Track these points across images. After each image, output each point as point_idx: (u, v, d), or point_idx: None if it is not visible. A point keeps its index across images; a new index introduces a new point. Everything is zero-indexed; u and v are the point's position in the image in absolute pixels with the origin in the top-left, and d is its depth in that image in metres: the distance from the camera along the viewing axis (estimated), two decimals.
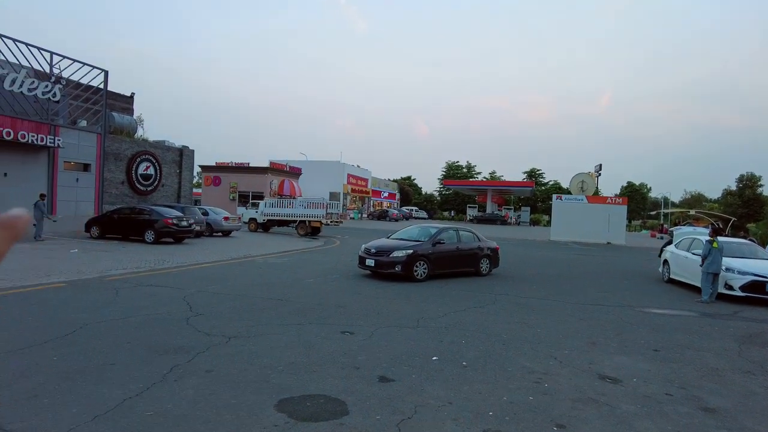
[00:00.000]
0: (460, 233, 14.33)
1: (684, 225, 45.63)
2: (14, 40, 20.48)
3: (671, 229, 42.87)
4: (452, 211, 79.31)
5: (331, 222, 29.33)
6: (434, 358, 6.13)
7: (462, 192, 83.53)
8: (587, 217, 34.59)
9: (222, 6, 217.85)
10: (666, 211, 70.47)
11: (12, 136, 19.77)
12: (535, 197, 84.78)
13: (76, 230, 20.88)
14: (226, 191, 47.05)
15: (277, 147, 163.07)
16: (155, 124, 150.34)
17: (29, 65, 21.15)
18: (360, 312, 8.64)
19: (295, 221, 29.00)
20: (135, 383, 4.81)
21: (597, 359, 6.47)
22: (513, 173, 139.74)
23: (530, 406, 4.79)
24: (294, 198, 40.17)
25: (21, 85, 20.22)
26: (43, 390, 4.58)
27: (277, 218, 29.31)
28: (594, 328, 8.32)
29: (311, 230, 28.72)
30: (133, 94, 35.18)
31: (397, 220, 57.76)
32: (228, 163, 49.54)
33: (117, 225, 19.93)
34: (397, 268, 12.37)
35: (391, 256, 12.53)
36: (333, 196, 59.88)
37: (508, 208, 75.10)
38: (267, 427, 4.02)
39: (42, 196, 19.80)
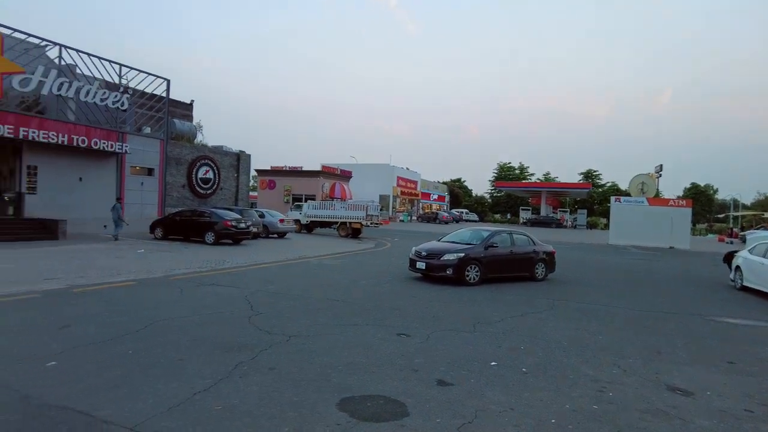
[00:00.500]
0: (513, 236, 14.04)
1: (758, 229, 42.68)
2: (89, 55, 21.95)
3: (743, 233, 40.28)
4: (508, 214, 77.56)
5: (371, 224, 29.91)
6: (493, 363, 6.05)
7: (514, 194, 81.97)
8: (648, 220, 33.10)
9: (274, 15, 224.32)
10: (736, 214, 66.27)
11: (86, 144, 21.17)
12: (591, 199, 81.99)
13: (141, 231, 22.04)
14: (280, 194, 48.34)
15: (328, 151, 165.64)
16: (213, 129, 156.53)
17: (101, 77, 22.60)
18: (415, 315, 8.65)
19: (336, 222, 29.87)
20: (203, 378, 5.03)
21: (664, 369, 6.17)
22: (568, 174, 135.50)
23: (594, 414, 4.64)
24: (344, 201, 40.75)
25: (94, 96, 21.63)
26: (122, 381, 4.88)
27: (320, 220, 30.23)
28: (659, 337, 7.95)
29: (352, 231, 29.45)
30: (192, 101, 36.79)
31: (447, 223, 57.38)
32: (282, 167, 50.92)
33: (179, 227, 20.91)
34: (449, 272, 12.28)
35: (442, 259, 12.45)
36: (382, 198, 60.29)
37: (563, 211, 72.97)
38: (330, 426, 4.10)
39: (119, 199, 21.20)
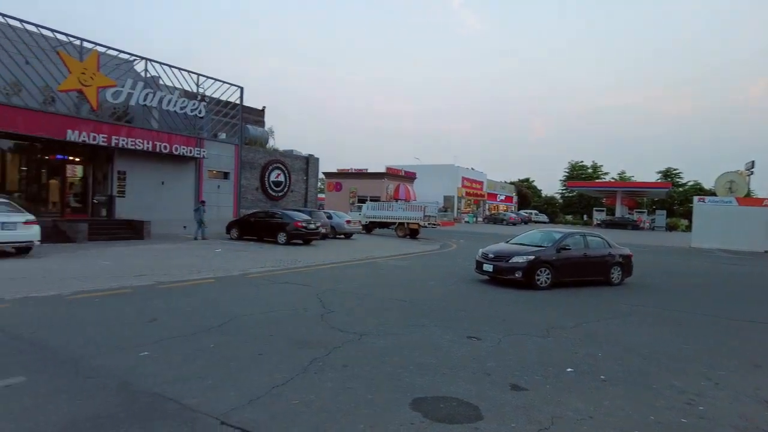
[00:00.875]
0: (587, 238, 13.47)
1: None
2: (170, 66, 23.47)
3: None
4: (584, 215, 74.17)
5: (428, 224, 29.93)
6: (569, 369, 5.84)
7: (587, 194, 78.54)
8: (737, 221, 30.58)
9: (333, 20, 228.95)
10: None
11: (168, 150, 22.66)
12: (671, 199, 76.96)
13: (218, 232, 23.26)
14: (346, 196, 49.27)
15: (393, 152, 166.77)
16: (282, 133, 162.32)
17: (180, 87, 24.11)
18: (483, 318, 8.52)
19: (394, 223, 30.13)
20: (280, 373, 5.23)
21: (764, 385, 5.68)
22: (645, 173, 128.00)
23: (683, 428, 4.36)
24: (408, 202, 40.87)
25: (175, 105, 23.13)
26: (206, 372, 5.18)
27: (378, 220, 30.58)
28: (755, 349, 7.33)
29: (409, 232, 29.67)
30: (264, 107, 38.36)
31: (514, 224, 56.03)
32: (348, 170, 51.92)
33: (253, 227, 21.89)
34: (517, 275, 11.97)
35: (510, 261, 12.16)
36: (447, 199, 59.87)
37: (640, 212, 68.89)
38: (404, 425, 4.13)
39: (202, 202, 22.67)
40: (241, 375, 5.14)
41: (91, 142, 19.54)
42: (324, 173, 52.03)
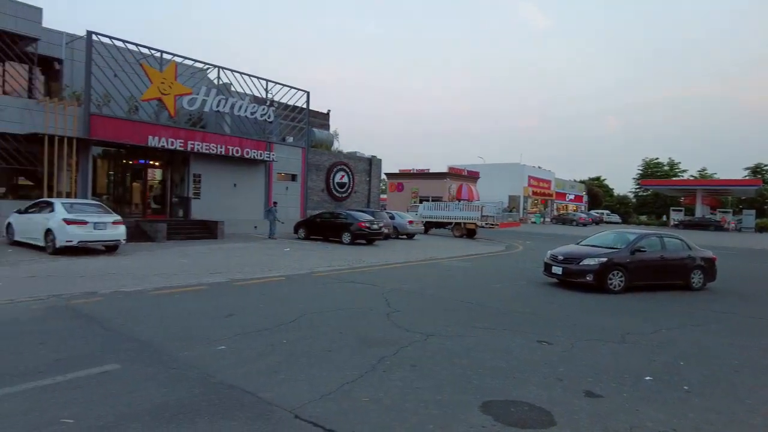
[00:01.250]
0: (664, 240, 12.70)
1: None
2: (241, 73, 24.54)
3: None
4: (664, 216, 69.78)
5: (486, 225, 29.33)
6: (647, 377, 5.54)
7: (663, 193, 74.03)
8: None
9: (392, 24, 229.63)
10: None
11: (240, 153, 23.73)
12: (762, 198, 70.87)
13: (286, 231, 24.04)
14: (408, 196, 49.36)
15: (455, 151, 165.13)
16: (345, 135, 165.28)
17: (250, 93, 25.14)
18: (553, 322, 8.26)
19: (451, 223, 29.73)
20: (350, 370, 5.34)
21: None
22: (730, 170, 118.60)
23: None
24: (471, 202, 40.34)
25: (245, 110, 24.17)
26: (280, 367, 5.38)
27: (435, 220, 30.30)
28: None
29: (466, 232, 29.21)
30: (329, 110, 39.22)
31: (585, 225, 53.75)
32: (410, 170, 52.01)
33: (319, 227, 22.47)
34: (589, 278, 11.49)
35: (581, 264, 11.69)
36: (512, 199, 58.50)
37: (724, 212, 64.02)
38: (474, 427, 4.09)
39: (274, 203, 23.72)
40: (312, 371, 5.29)
41: (170, 147, 20.89)
42: (386, 174, 52.38)
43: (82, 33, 19.50)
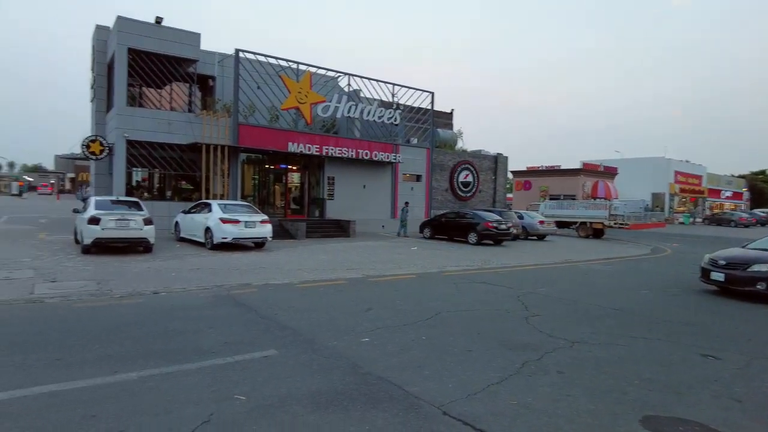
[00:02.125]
0: None
1: None
2: (369, 79, 25.47)
3: None
4: None
5: (615, 224, 26.76)
6: None
7: None
8: None
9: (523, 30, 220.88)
10: None
11: (369, 156, 24.70)
12: None
13: (412, 231, 24.45)
14: (536, 195, 47.29)
15: (589, 147, 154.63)
16: (470, 133, 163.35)
17: (378, 98, 25.99)
18: (719, 334, 7.31)
19: (575, 222, 27.77)
20: (493, 371, 5.25)
21: None
22: None
23: None
24: (609, 201, 37.42)
25: (373, 115, 25.06)
26: (423, 363, 5.47)
27: (558, 219, 28.40)
28: None
29: (593, 232, 27.22)
30: (452, 110, 39.08)
31: (746, 226, 46.95)
32: (538, 167, 49.78)
33: (444, 227, 22.46)
34: (760, 286, 9.98)
35: (749, 270, 10.21)
36: (656, 197, 53.23)
37: None
38: None
39: (406, 203, 24.47)
40: (456, 369, 5.30)
41: (306, 152, 22.47)
42: (512, 172, 50.72)
43: (229, 51, 21.79)
